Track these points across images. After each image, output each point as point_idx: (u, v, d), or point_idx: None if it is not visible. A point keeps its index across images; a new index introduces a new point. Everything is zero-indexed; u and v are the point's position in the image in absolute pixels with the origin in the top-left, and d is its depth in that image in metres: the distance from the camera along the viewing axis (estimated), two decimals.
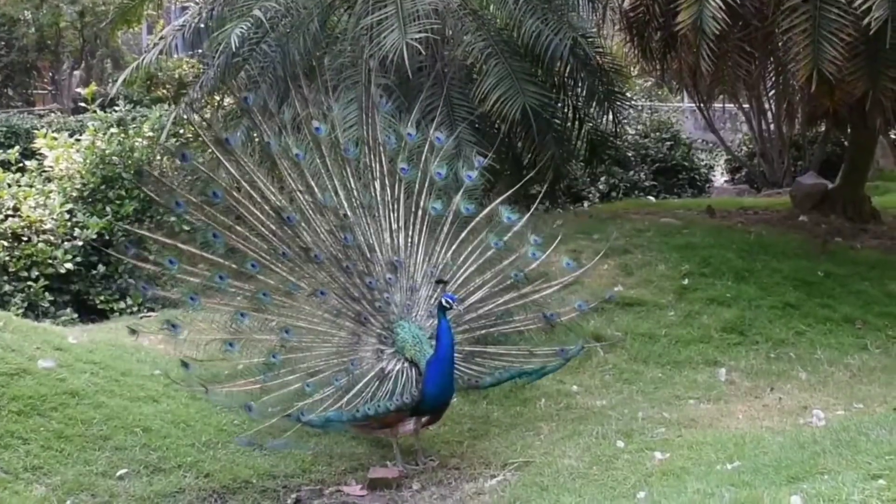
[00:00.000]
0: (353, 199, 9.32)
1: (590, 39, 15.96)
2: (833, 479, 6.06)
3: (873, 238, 16.53)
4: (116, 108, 18.63)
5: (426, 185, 9.57)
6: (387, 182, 9.48)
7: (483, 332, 9.58)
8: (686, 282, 13.38)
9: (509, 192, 10.06)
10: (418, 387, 8.78)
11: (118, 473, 8.53)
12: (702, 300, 12.91)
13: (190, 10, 16.98)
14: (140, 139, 16.15)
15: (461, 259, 9.51)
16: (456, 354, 8.87)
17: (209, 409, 9.91)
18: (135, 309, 14.42)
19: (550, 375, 10.21)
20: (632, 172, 23.76)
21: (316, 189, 9.30)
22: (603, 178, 23.08)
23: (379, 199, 9.41)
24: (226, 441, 9.34)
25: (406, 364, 8.89)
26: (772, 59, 16.20)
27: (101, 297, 14.48)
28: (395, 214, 9.43)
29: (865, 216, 17.42)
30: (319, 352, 9.05)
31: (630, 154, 23.62)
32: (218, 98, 17.89)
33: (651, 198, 22.57)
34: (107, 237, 14.70)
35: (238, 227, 9.32)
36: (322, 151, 9.42)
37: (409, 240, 9.41)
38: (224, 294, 9.28)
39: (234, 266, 9.27)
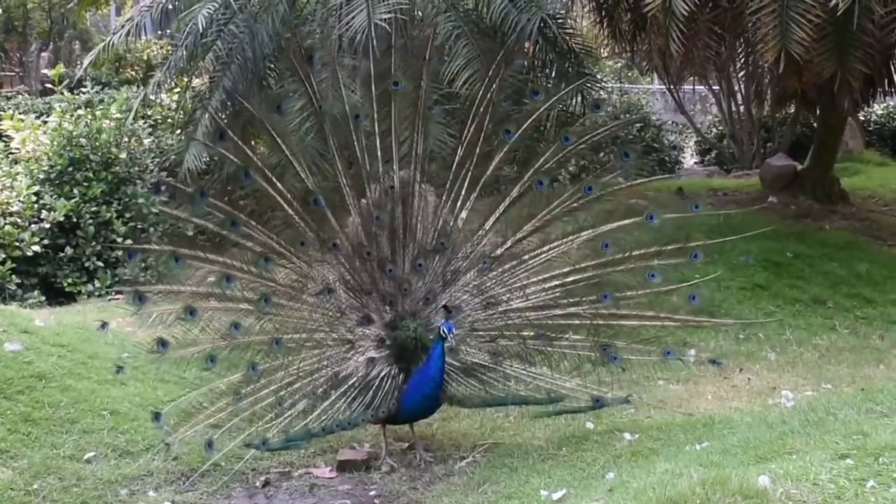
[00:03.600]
0: (409, 168, 8.65)
1: (559, 21, 15.92)
2: (801, 459, 6.07)
3: (842, 219, 16.65)
4: (84, 90, 18.53)
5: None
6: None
7: (513, 343, 8.72)
8: (655, 263, 13.36)
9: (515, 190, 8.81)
10: (397, 400, 8.48)
11: (86, 456, 8.48)
12: (671, 281, 12.90)
13: None
14: (108, 121, 16.04)
15: (538, 255, 8.70)
16: (455, 363, 8.57)
17: (177, 391, 9.85)
18: (102, 291, 14.34)
19: None
20: (601, 154, 23.73)
21: (366, 158, 8.66)
22: (573, 160, 23.05)
23: (439, 168, 8.78)
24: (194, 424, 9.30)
25: (394, 370, 8.55)
26: (741, 40, 16.27)
27: (69, 280, 14.37)
28: (455, 188, 8.70)
29: (834, 197, 17.53)
30: (306, 361, 8.55)
31: (599, 137, 23.54)
32: (186, 79, 17.81)
33: (621, 179, 22.53)
34: (74, 219, 14.60)
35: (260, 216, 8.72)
36: (387, 111, 8.72)
37: (465, 217, 8.73)
38: (226, 298, 8.63)
39: (243, 266, 8.59)
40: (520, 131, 8.83)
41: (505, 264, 8.68)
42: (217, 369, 8.61)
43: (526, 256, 8.70)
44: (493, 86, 8.80)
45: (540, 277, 8.67)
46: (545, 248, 8.70)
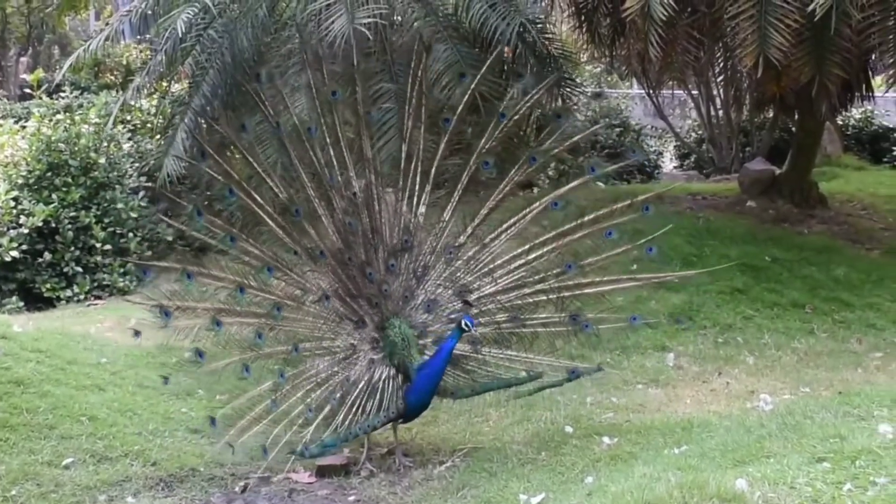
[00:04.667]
0: (364, 173, 8.79)
1: (538, 25, 15.93)
2: (778, 463, 6.11)
3: (820, 223, 16.69)
4: (63, 95, 18.47)
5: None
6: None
7: (491, 329, 8.90)
8: (634, 267, 13.39)
9: (464, 176, 8.96)
10: (404, 397, 8.56)
11: (64, 462, 8.47)
12: (650, 285, 12.94)
13: None
14: (87, 126, 16.00)
15: (497, 235, 8.86)
16: None
17: (156, 397, 9.91)
18: (81, 297, 14.31)
19: None
20: (581, 159, 23.75)
21: (326, 168, 8.81)
22: (552, 165, 23.07)
23: (389, 168, 8.98)
24: (173, 429, 9.33)
25: (392, 370, 8.63)
26: (720, 45, 16.29)
27: (48, 286, 14.34)
28: (408, 185, 8.87)
29: (812, 202, 17.57)
30: (321, 367, 8.72)
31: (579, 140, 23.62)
32: (166, 84, 17.78)
33: (600, 184, 22.58)
34: (53, 225, 14.56)
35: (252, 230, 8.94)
36: (331, 121, 8.84)
37: (426, 214, 8.88)
38: (239, 313, 8.82)
39: (247, 279, 8.79)
40: (455, 117, 8.98)
41: (469, 251, 8.85)
42: (251, 378, 8.78)
43: (487, 240, 8.85)
44: (419, 79, 8.91)
45: (504, 259, 8.83)
46: (503, 228, 8.85)
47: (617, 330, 9.28)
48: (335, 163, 8.80)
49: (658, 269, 9.32)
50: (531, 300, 8.86)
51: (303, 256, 8.88)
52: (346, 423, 8.46)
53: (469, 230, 8.85)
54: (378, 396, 8.57)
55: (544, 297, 8.82)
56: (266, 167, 8.91)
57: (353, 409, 8.51)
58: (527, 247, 8.81)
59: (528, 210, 8.88)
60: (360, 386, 8.60)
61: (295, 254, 8.88)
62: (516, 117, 9.17)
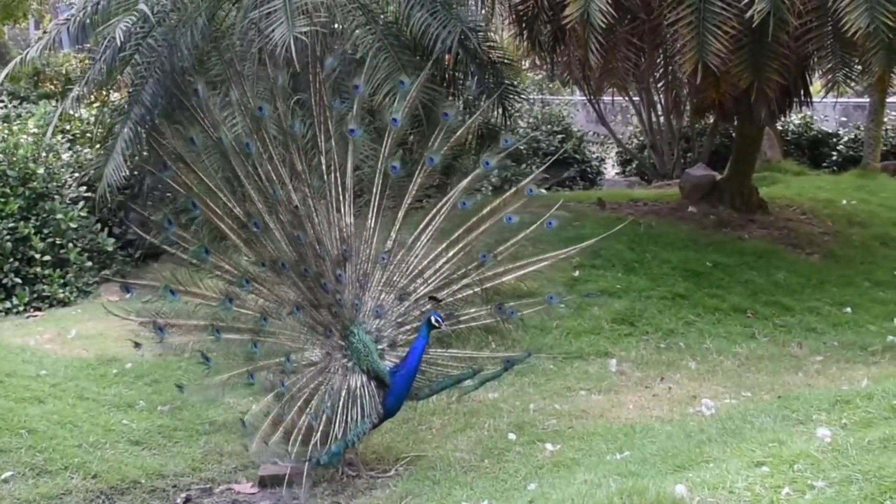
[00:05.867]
0: (300, 187, 8.86)
1: (479, 33, 15.96)
2: (718, 467, 6.14)
3: (760, 228, 16.82)
4: (1, 104, 18.31)
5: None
6: (325, 160, 9.00)
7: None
8: (577, 273, 13.47)
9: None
10: (382, 402, 8.57)
11: (3, 476, 8.39)
12: (592, 291, 13.00)
13: (76, 3, 16.70)
14: (25, 136, 15.87)
15: (418, 237, 9.04)
16: (398, 360, 8.72)
17: (96, 409, 9.83)
18: (21, 308, 14.18)
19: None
20: (523, 165, 23.85)
21: (267, 183, 8.84)
22: (495, 172, 23.08)
23: (317, 180, 8.96)
24: (113, 441, 9.25)
25: (364, 377, 8.60)
26: (659, 51, 16.37)
27: None
28: (334, 195, 8.97)
29: (753, 207, 17.70)
30: (310, 378, 8.66)
31: (521, 147, 23.72)
32: (105, 93, 17.66)
33: (543, 191, 22.65)
34: None
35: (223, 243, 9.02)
36: (263, 136, 8.92)
37: (354, 223, 8.97)
38: (229, 328, 8.81)
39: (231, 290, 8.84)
40: (362, 127, 9.17)
41: (398, 255, 8.96)
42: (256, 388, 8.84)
43: (409, 242, 9.00)
44: (318, 86, 9.01)
45: (429, 260, 8.99)
46: (421, 227, 9.03)
47: (537, 313, 9.48)
48: (274, 177, 8.84)
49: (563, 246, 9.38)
50: (461, 296, 9.05)
51: (268, 270, 8.90)
52: (342, 430, 8.39)
53: (393, 235, 8.97)
54: (359, 403, 8.53)
55: (470, 291, 9.03)
56: (217, 181, 8.93)
57: (343, 417, 8.45)
58: (444, 245, 9.01)
59: (436, 210, 9.07)
60: (343, 395, 8.55)
61: (262, 266, 8.91)
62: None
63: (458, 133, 9.48)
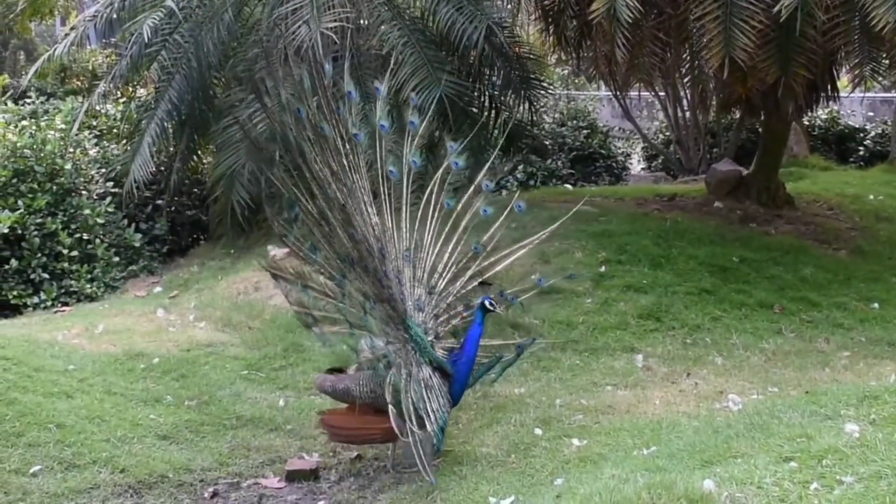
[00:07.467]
0: (340, 186, 8.87)
1: (505, 28, 15.97)
2: (746, 463, 6.12)
3: (787, 223, 16.75)
4: (29, 101, 18.40)
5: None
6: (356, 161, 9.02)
7: (457, 320, 9.10)
8: (603, 269, 13.45)
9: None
10: (449, 391, 8.57)
11: (31, 470, 8.37)
12: (618, 287, 12.99)
13: (102, 0, 16.79)
14: (52, 132, 15.94)
15: (428, 233, 9.12)
16: (444, 350, 8.77)
17: (124, 403, 9.84)
18: (49, 304, 14.25)
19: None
20: (549, 161, 23.85)
21: (321, 181, 8.88)
22: (520, 167, 23.12)
23: (355, 179, 8.98)
24: (141, 436, 9.25)
25: (429, 368, 8.58)
26: (686, 46, 16.31)
27: (14, 293, 14.29)
28: (371, 196, 9.00)
29: (779, 202, 17.63)
30: (402, 366, 8.64)
31: (547, 142, 23.74)
32: (132, 89, 17.73)
33: (568, 186, 22.67)
34: (19, 231, 14.50)
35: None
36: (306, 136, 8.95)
37: (385, 221, 8.98)
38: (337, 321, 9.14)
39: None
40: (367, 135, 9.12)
41: (419, 252, 9.01)
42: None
43: (417, 238, 9.05)
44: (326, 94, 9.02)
45: (436, 254, 9.04)
46: (423, 223, 9.08)
47: (532, 297, 9.55)
48: (322, 176, 8.87)
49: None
50: (469, 288, 9.10)
51: (347, 266, 8.99)
52: (434, 416, 8.32)
53: (413, 233, 9.05)
54: (434, 392, 8.51)
55: (475, 282, 9.10)
56: (296, 179, 9.03)
57: (430, 406, 8.41)
58: (442, 238, 9.07)
59: (432, 209, 9.15)
60: (422, 384, 8.53)
61: (342, 262, 9.00)
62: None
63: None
